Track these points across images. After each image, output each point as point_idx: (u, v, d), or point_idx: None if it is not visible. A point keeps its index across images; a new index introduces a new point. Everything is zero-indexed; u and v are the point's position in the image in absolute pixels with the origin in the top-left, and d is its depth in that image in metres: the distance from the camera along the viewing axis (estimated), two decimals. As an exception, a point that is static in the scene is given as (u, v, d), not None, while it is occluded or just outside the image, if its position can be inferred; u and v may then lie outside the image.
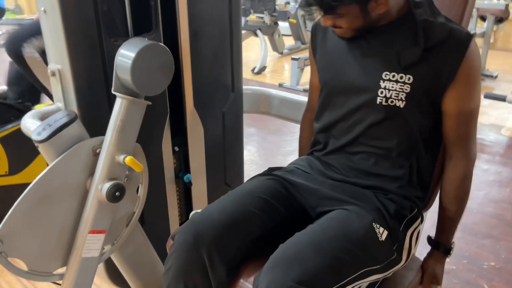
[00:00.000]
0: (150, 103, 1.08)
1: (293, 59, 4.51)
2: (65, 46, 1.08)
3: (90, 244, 1.05)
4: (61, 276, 1.10)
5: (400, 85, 1.00)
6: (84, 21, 1.09)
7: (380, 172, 1.06)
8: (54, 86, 1.15)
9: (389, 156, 1.06)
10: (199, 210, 1.16)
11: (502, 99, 3.45)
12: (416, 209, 1.06)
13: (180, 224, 1.58)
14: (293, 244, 0.91)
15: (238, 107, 1.65)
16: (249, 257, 1.03)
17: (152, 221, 1.43)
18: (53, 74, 1.12)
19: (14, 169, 1.97)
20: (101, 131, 1.10)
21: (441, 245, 1.10)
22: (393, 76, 1.00)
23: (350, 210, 0.98)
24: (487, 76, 4.70)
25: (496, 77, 4.68)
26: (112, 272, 1.34)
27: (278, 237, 0.97)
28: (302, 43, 6.11)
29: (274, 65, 5.60)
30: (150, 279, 1.33)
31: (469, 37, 0.98)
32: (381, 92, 1.02)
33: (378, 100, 1.02)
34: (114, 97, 1.06)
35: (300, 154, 1.37)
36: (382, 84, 1.01)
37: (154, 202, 1.42)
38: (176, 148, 1.47)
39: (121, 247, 1.19)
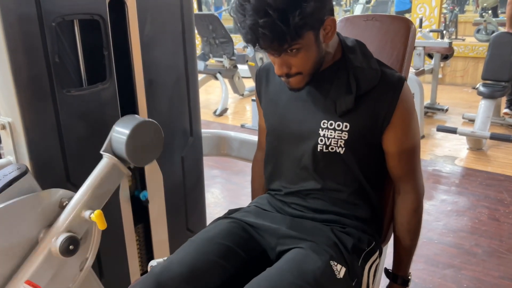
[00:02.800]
0: (130, 173, 1.16)
1: (253, 100, 4.60)
2: (16, 99, 1.07)
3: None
4: None
5: (338, 133, 1.03)
6: (35, 73, 1.09)
7: (334, 210, 1.08)
8: (4, 139, 1.13)
9: (340, 195, 1.08)
10: (159, 260, 1.14)
11: (453, 131, 3.61)
12: (374, 243, 1.08)
13: (141, 275, 1.54)
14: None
15: (198, 151, 1.66)
16: None
17: (112, 272, 1.38)
18: (3, 127, 1.10)
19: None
20: (54, 184, 1.08)
21: (398, 277, 1.12)
22: (331, 124, 1.03)
23: (306, 249, 0.98)
24: (438, 109, 4.93)
25: (446, 110, 4.92)
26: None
27: (240, 283, 0.96)
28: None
29: (235, 107, 5.67)
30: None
31: (401, 80, 1.02)
32: (321, 140, 1.04)
33: (319, 148, 1.05)
34: (69, 148, 1.06)
35: (253, 195, 1.37)
36: (321, 132, 1.04)
37: (112, 252, 1.38)
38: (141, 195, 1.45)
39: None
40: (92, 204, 1.05)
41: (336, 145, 1.04)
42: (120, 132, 1.11)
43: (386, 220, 1.18)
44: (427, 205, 2.78)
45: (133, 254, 1.47)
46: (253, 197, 1.38)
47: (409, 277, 1.13)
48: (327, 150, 1.05)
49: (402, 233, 1.10)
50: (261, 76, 1.21)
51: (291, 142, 1.11)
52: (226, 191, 3.15)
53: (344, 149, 1.04)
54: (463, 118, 4.62)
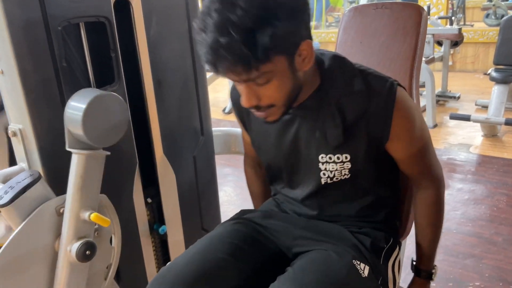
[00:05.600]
0: (108, 153, 1.04)
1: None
2: (25, 105, 1.06)
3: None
4: None
5: (340, 165, 0.98)
6: (43, 79, 1.08)
7: (349, 214, 1.06)
8: (16, 146, 1.12)
9: (352, 207, 1.06)
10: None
11: (467, 118, 3.56)
12: (391, 239, 1.06)
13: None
14: None
15: (209, 150, 1.64)
16: None
17: (129, 277, 1.38)
18: (14, 134, 1.09)
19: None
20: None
21: (422, 271, 1.09)
22: (330, 158, 0.98)
23: (328, 250, 0.96)
24: (450, 97, 4.86)
25: (458, 97, 4.85)
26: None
27: (257, 283, 0.94)
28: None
29: (244, 104, 5.65)
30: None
31: (393, 89, 0.91)
32: (324, 174, 1.00)
33: (323, 181, 1.01)
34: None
35: (255, 200, 1.35)
36: (322, 167, 0.99)
37: (129, 257, 1.38)
38: (149, 200, 1.44)
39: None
40: (87, 204, 1.00)
41: (340, 175, 0.99)
42: (74, 107, 0.95)
43: (403, 215, 1.16)
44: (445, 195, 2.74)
45: (150, 257, 1.46)
46: (255, 201, 1.35)
47: (433, 271, 1.10)
48: (331, 181, 1.01)
49: (422, 227, 1.08)
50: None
51: (291, 173, 1.07)
52: (239, 188, 3.14)
53: (350, 175, 0.99)
54: (476, 104, 4.55)
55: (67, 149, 1.00)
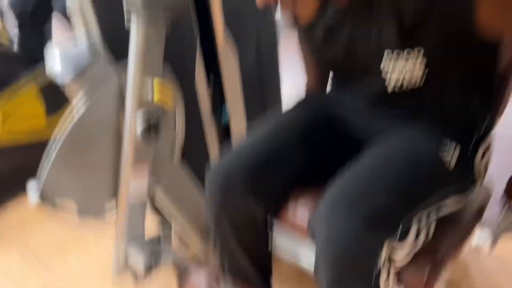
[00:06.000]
0: (169, 14, 0.96)
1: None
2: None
3: (135, 184, 1.03)
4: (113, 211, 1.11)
5: (411, 63, 0.79)
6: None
7: (431, 107, 0.90)
8: (73, 16, 1.08)
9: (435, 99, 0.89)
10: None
11: None
12: (483, 128, 0.92)
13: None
14: (352, 179, 0.79)
15: (273, 34, 1.54)
16: (297, 188, 0.97)
17: (192, 159, 1.40)
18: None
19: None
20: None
21: None
22: (398, 55, 0.80)
23: (410, 130, 0.86)
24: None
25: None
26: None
27: (327, 166, 0.90)
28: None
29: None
30: (195, 214, 1.32)
31: None
32: (389, 78, 0.83)
33: (389, 89, 0.86)
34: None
35: (310, 72, 1.17)
36: (386, 69, 0.82)
37: (192, 140, 1.39)
38: (211, 84, 1.39)
39: (165, 185, 1.17)
40: (150, 71, 0.96)
41: (410, 80, 0.82)
42: None
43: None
44: None
45: (212, 139, 1.47)
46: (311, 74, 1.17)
47: None
48: (399, 89, 0.85)
49: None
50: None
51: (350, 77, 0.93)
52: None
53: (423, 82, 0.82)
54: None
55: (126, 13, 0.93)
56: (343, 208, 0.73)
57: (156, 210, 1.42)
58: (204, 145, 1.46)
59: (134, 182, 1.03)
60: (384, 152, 0.85)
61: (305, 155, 0.94)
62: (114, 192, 1.07)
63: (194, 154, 1.41)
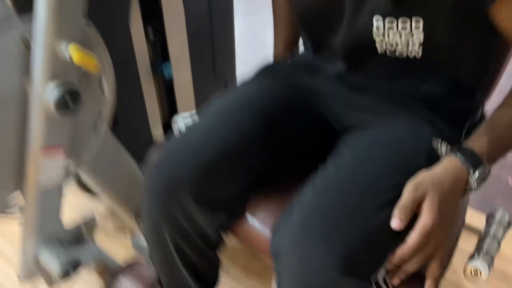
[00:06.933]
0: None
1: None
2: None
3: (48, 167, 0.79)
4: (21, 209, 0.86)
5: (406, 35, 0.65)
6: None
7: (420, 82, 0.75)
8: None
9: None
10: (185, 114, 0.88)
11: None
12: (475, 111, 0.78)
13: (163, 127, 1.33)
14: (329, 191, 0.61)
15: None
16: (256, 192, 0.76)
17: (128, 128, 1.17)
18: None
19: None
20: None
21: (465, 150, 0.63)
22: (391, 23, 0.64)
23: (396, 127, 0.70)
24: None
25: None
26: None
27: (293, 162, 0.72)
28: None
29: None
30: (128, 193, 1.11)
31: None
32: (381, 47, 0.68)
33: (380, 51, 0.68)
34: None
35: (279, 26, 0.95)
36: (377, 38, 0.66)
37: (128, 103, 1.15)
38: (150, 33, 1.15)
39: (91, 159, 0.94)
40: (65, 33, 0.70)
41: (406, 50, 0.67)
42: None
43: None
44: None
45: (152, 102, 1.24)
46: (280, 28, 0.99)
47: (484, 160, 0.62)
48: (393, 54, 0.68)
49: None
50: None
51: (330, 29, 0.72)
52: (251, 28, 2.78)
53: (421, 53, 0.66)
54: None
55: None
56: (318, 236, 0.55)
57: (83, 186, 1.20)
58: (142, 109, 1.24)
59: (47, 163, 0.79)
60: (368, 151, 0.66)
61: (269, 147, 0.74)
62: (19, 182, 0.82)
63: (130, 122, 1.19)
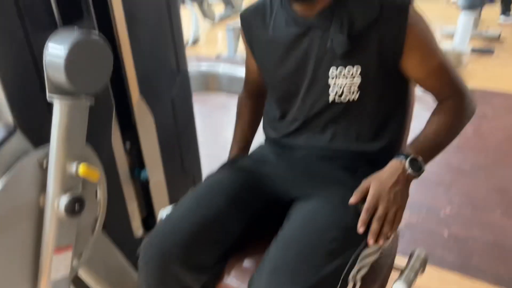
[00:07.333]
0: (93, 101, 0.95)
1: (228, 30, 4.36)
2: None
3: (58, 264, 0.95)
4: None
5: (350, 79, 0.95)
6: (4, 17, 0.95)
7: (345, 149, 1.03)
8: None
9: (353, 139, 1.03)
10: (167, 208, 1.09)
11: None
12: None
13: (143, 222, 1.51)
14: (285, 250, 0.84)
15: (186, 89, 1.56)
16: (232, 256, 0.97)
17: (113, 225, 1.34)
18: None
19: None
20: (44, 140, 0.98)
21: (402, 154, 0.94)
22: (340, 72, 0.95)
23: (330, 196, 0.94)
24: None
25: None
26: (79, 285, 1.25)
27: (257, 230, 0.93)
28: (233, 7, 6.01)
29: (208, 35, 5.44)
30: (121, 283, 1.26)
31: (405, 3, 0.91)
32: (332, 90, 0.97)
33: (331, 98, 0.98)
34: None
35: (239, 130, 1.26)
36: (331, 82, 0.96)
37: (112, 205, 1.33)
38: (128, 145, 1.37)
39: (89, 259, 1.10)
40: (73, 155, 0.92)
41: (349, 92, 0.96)
42: (55, 50, 0.85)
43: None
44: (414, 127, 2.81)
45: (132, 204, 1.42)
46: (239, 131, 1.27)
47: (418, 158, 0.92)
48: (339, 100, 0.97)
49: (433, 122, 1.00)
50: (250, 20, 1.09)
51: (295, 93, 1.03)
52: (209, 128, 3.07)
53: (359, 93, 0.96)
54: (442, 32, 4.56)
55: (48, 96, 0.89)
56: (285, 281, 0.77)
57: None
58: (124, 209, 1.41)
59: (57, 261, 0.96)
60: (311, 216, 0.91)
61: (238, 220, 0.96)
62: (34, 284, 0.98)
63: (114, 223, 1.35)
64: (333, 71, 0.95)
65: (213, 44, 5.08)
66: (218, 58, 4.40)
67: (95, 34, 0.89)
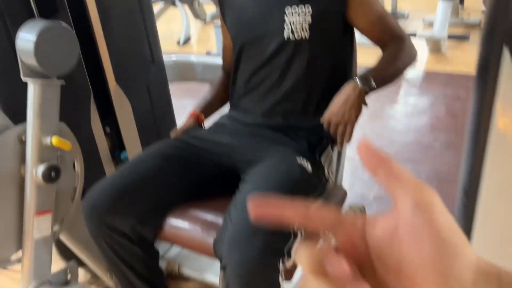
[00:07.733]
0: (62, 81, 1.09)
1: (216, 27, 4.50)
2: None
3: (40, 225, 1.09)
4: (19, 260, 1.14)
5: (302, 16, 1.11)
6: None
7: (289, 109, 1.18)
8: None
9: (297, 102, 1.17)
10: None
11: (413, 35, 3.69)
12: (324, 139, 1.17)
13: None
14: (243, 212, 0.94)
15: (162, 77, 1.69)
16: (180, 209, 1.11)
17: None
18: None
19: None
20: (23, 118, 1.12)
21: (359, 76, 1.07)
22: (294, 9, 1.11)
23: (274, 157, 1.07)
24: (399, 15, 4.96)
25: (407, 16, 4.95)
26: (62, 249, 1.39)
27: (217, 191, 1.07)
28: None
29: (199, 34, 5.56)
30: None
31: None
32: (287, 25, 1.12)
33: (285, 35, 1.13)
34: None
35: (210, 96, 1.40)
36: (287, 19, 1.12)
37: (95, 183, 1.46)
38: (108, 129, 1.51)
39: (69, 225, 1.24)
40: (47, 130, 1.06)
41: (301, 29, 1.11)
42: (25, 37, 0.98)
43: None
44: (391, 110, 2.93)
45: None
46: (201, 100, 1.40)
47: (372, 82, 1.05)
48: (293, 37, 1.12)
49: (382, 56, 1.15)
50: None
51: (258, 42, 1.19)
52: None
53: (309, 33, 1.11)
54: (424, 22, 4.68)
55: (22, 78, 1.03)
56: (246, 239, 0.89)
57: (63, 253, 1.47)
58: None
59: (39, 222, 1.10)
60: (262, 177, 1.03)
61: (178, 176, 1.10)
62: (19, 244, 1.12)
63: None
64: (288, 8, 1.11)
65: (204, 43, 5.21)
66: (208, 54, 4.54)
67: (62, 23, 1.03)
